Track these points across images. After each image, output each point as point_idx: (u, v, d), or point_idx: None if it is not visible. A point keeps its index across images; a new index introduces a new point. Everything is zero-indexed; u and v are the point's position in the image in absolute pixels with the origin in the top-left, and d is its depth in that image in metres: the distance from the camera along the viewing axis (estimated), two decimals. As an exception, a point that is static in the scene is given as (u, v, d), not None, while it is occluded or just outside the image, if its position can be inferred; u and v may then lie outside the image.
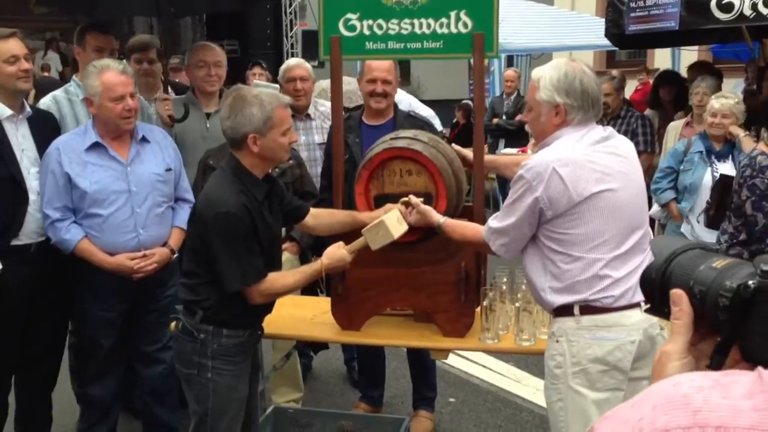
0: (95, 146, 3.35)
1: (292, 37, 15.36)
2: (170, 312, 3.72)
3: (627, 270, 2.38)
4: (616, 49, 10.55)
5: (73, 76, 3.95)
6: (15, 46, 3.33)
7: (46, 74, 14.34)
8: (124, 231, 3.36)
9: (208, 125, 4.17)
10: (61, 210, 3.31)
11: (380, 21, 3.01)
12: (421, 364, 4.01)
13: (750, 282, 0.80)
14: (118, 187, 3.35)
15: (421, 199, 2.89)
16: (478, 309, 3.04)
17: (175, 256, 3.52)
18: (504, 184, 8.53)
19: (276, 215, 2.84)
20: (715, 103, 4.51)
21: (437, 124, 7.68)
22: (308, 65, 4.56)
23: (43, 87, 13.92)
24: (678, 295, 0.89)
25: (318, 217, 3.04)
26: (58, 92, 3.87)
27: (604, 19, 10.48)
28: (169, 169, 3.51)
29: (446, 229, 2.80)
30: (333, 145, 3.23)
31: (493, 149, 8.63)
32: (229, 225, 2.59)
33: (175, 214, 3.56)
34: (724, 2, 4.65)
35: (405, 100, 7.27)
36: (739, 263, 0.86)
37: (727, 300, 0.81)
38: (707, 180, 4.50)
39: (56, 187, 3.30)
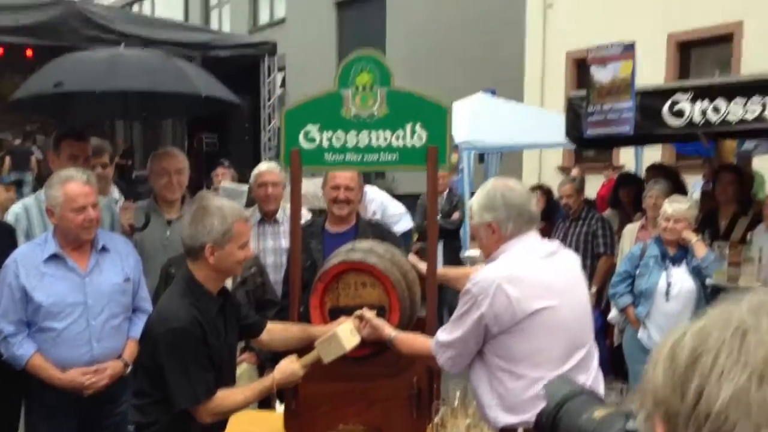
0: (54, 257, 3.32)
1: (269, 131, 15.64)
2: (122, 429, 3.62)
3: None
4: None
5: (45, 184, 3.98)
6: None
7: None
8: (78, 344, 3.30)
9: (168, 233, 4.16)
10: (15, 324, 3.26)
11: (339, 133, 3.09)
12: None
13: None
14: (74, 299, 3.30)
15: (374, 311, 2.90)
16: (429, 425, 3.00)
17: (129, 369, 3.46)
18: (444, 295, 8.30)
19: (232, 329, 2.81)
20: (668, 208, 4.60)
21: (406, 222, 7.73)
22: (279, 170, 4.61)
23: (17, 154, 14.03)
24: None
25: (272, 333, 3.01)
26: (28, 200, 3.90)
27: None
28: (128, 279, 3.48)
29: (396, 343, 2.80)
30: (291, 254, 3.25)
31: None
32: (179, 340, 2.55)
33: (132, 325, 3.50)
34: (675, 109, 4.85)
35: (377, 198, 7.26)
36: (615, 415, 0.87)
37: None
38: (662, 285, 4.54)
39: (12, 301, 3.26)
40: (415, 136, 3.05)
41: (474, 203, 2.62)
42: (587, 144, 6.57)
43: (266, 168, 4.67)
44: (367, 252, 3.05)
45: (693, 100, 4.72)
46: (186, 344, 2.56)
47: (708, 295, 4.47)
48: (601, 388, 2.52)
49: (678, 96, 4.78)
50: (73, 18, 6.39)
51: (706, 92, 4.73)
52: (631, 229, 5.39)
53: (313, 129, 3.12)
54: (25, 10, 6.17)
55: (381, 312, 2.94)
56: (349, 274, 3.01)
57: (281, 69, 10.59)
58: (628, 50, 5.29)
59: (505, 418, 2.41)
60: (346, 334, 2.78)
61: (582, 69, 13.01)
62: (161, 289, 3.81)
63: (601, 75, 5.40)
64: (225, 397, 2.67)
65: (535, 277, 2.43)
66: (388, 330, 2.83)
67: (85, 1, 7.14)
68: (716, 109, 4.55)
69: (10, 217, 3.81)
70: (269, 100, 15.65)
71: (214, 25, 21.66)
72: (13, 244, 3.55)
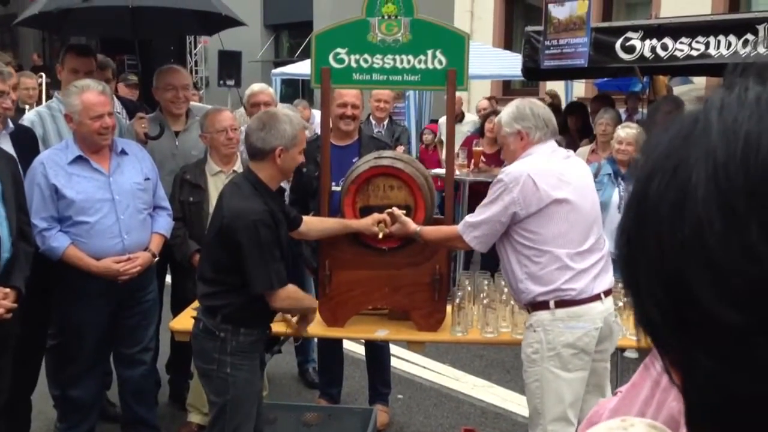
0: (78, 159, 3.60)
1: (196, 54, 15.48)
2: (151, 315, 3.99)
3: (587, 264, 2.94)
4: (512, 78, 11.47)
5: (55, 93, 4.17)
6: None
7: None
8: (110, 236, 3.61)
9: (176, 143, 4.46)
10: (47, 220, 3.53)
11: (366, 55, 3.47)
12: (379, 362, 4.45)
13: None
14: (103, 196, 3.60)
15: (404, 211, 3.36)
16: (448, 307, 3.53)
17: (156, 259, 3.80)
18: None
19: (285, 222, 3.18)
20: (621, 132, 5.24)
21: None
22: (272, 90, 4.93)
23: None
24: None
25: (309, 224, 3.41)
26: (42, 108, 4.09)
27: (501, 50, 11.43)
28: (147, 179, 3.80)
29: (423, 233, 3.28)
30: (321, 164, 3.64)
31: None
32: (259, 232, 2.89)
33: (154, 221, 3.84)
34: (627, 45, 5.44)
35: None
36: None
37: None
38: (615, 199, 5.20)
39: (42, 199, 3.52)
40: (435, 60, 3.47)
41: (503, 116, 3.09)
42: (541, 76, 7.13)
43: (259, 89, 4.98)
44: (394, 159, 3.49)
45: (643, 39, 5.32)
46: (265, 236, 2.91)
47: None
48: (610, 268, 3.08)
49: (630, 33, 5.37)
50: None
51: (654, 32, 5.34)
52: (582, 152, 6.02)
53: (341, 51, 3.49)
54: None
55: (407, 211, 3.40)
56: (379, 177, 3.46)
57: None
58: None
59: (536, 288, 2.94)
60: None
61: (510, 3, 13.62)
62: (176, 193, 4.14)
63: (558, 12, 5.91)
64: (296, 290, 3.10)
65: (558, 172, 2.97)
66: (413, 225, 3.31)
67: None
68: (664, 47, 5.17)
69: (25, 123, 4.00)
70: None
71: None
72: (36, 148, 3.78)
